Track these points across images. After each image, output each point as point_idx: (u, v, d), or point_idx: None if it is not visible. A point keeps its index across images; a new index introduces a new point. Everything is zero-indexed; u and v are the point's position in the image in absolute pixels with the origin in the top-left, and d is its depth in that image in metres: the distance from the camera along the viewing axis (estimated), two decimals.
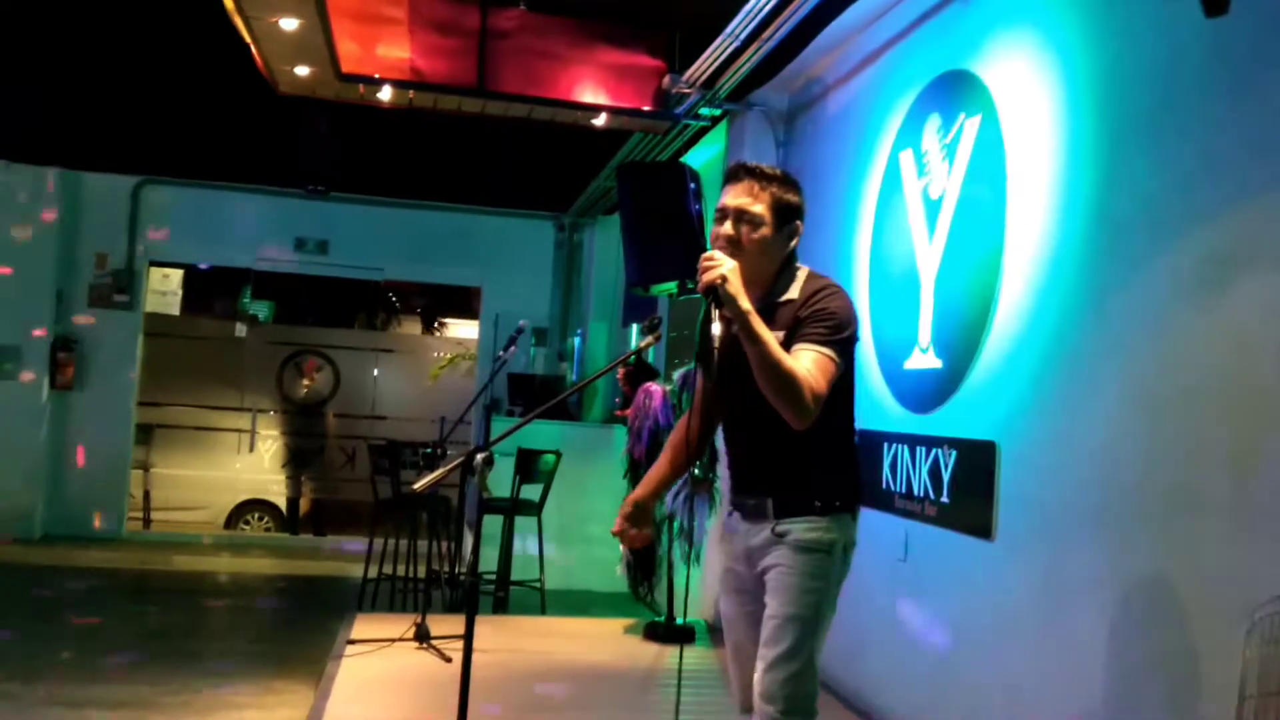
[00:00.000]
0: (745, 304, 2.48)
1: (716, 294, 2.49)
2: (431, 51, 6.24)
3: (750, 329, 2.46)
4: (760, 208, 2.68)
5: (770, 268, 2.72)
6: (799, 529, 2.64)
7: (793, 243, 2.74)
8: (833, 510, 2.66)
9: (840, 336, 2.59)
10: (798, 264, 2.77)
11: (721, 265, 2.50)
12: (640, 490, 2.94)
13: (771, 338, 2.49)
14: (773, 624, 2.63)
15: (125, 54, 6.92)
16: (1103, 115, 3.47)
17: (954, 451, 4.11)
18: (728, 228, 2.68)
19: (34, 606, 6.72)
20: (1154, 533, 3.07)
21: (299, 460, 12.17)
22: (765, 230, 2.68)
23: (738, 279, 2.50)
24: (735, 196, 2.70)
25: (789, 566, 2.64)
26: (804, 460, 2.66)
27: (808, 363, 2.52)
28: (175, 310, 11.42)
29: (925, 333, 4.44)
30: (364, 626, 5.83)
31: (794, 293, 2.69)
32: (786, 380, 2.46)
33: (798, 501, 2.66)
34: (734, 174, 2.75)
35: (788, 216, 2.72)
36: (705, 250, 2.61)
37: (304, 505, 12.16)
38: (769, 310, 2.65)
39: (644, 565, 6.37)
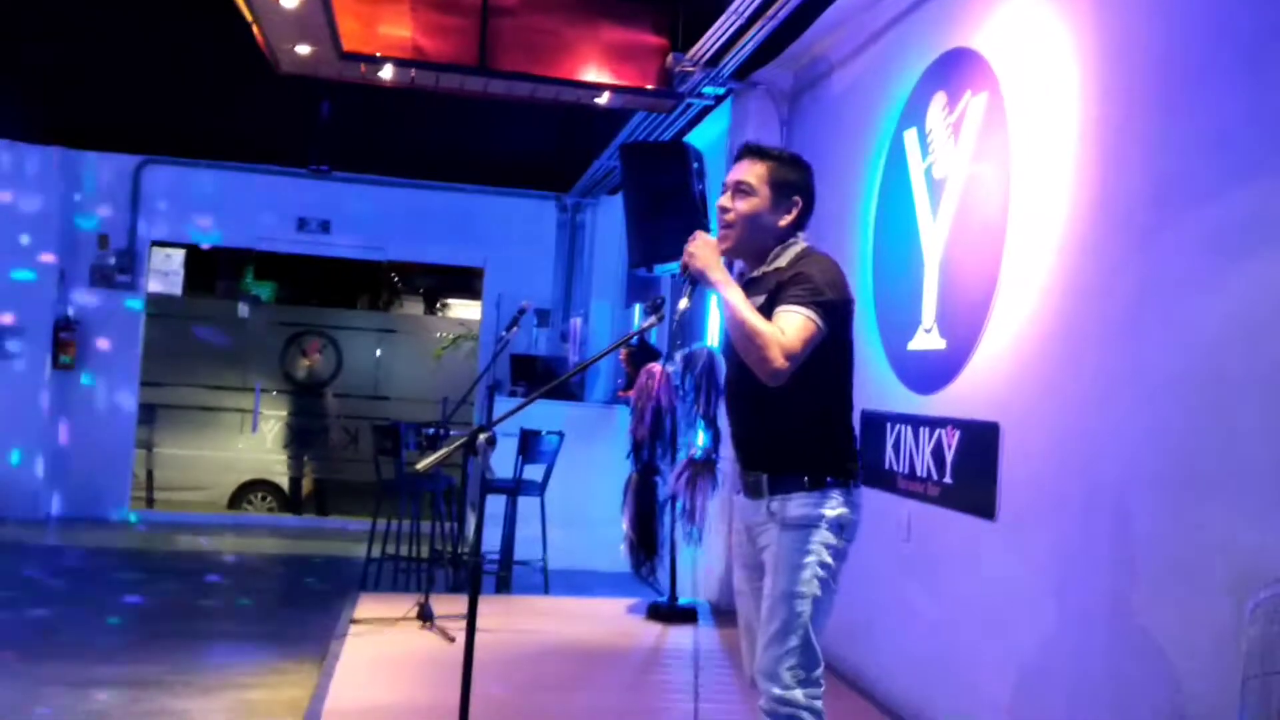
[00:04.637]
0: (716, 274, 2.67)
1: (689, 272, 2.70)
2: (433, 30, 6.20)
3: (720, 294, 2.64)
4: (753, 179, 2.80)
5: (765, 239, 2.82)
6: (789, 506, 2.72)
7: (790, 216, 2.82)
8: (823, 485, 2.72)
9: (820, 299, 2.65)
10: (799, 241, 2.84)
11: (693, 242, 2.72)
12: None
13: (741, 298, 2.63)
14: (768, 603, 2.71)
15: (127, 33, 6.87)
16: (1108, 93, 3.44)
17: (957, 432, 4.11)
18: (724, 200, 2.83)
19: (36, 586, 6.75)
20: (1156, 513, 3.07)
21: (301, 440, 12.19)
22: (756, 201, 2.79)
23: (708, 252, 2.70)
24: (735, 172, 2.84)
25: (780, 545, 2.72)
26: (794, 436, 2.75)
27: (781, 322, 2.60)
28: (178, 290, 11.41)
29: (929, 313, 4.43)
30: (367, 606, 5.85)
31: (783, 262, 2.78)
32: (751, 335, 2.56)
33: (789, 478, 2.73)
34: (739, 154, 2.89)
35: (785, 191, 2.81)
36: (708, 230, 2.71)
37: (307, 485, 12.19)
38: (759, 280, 2.77)
39: (646, 545, 6.37)
